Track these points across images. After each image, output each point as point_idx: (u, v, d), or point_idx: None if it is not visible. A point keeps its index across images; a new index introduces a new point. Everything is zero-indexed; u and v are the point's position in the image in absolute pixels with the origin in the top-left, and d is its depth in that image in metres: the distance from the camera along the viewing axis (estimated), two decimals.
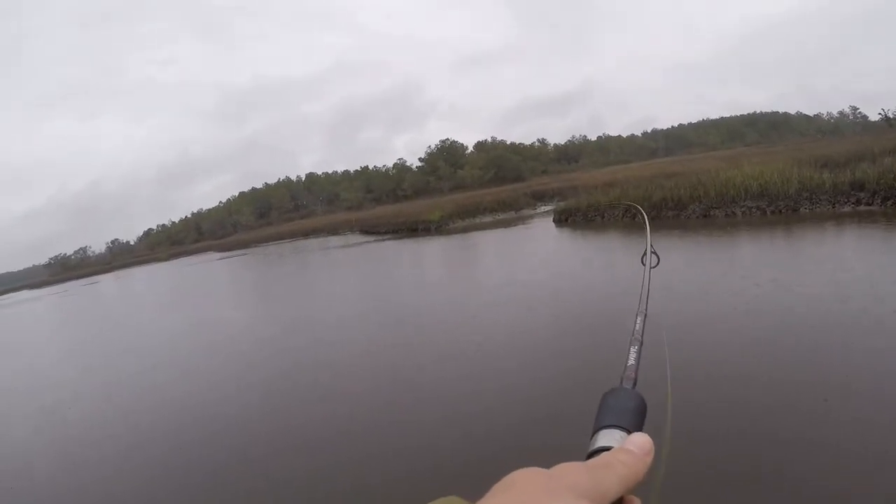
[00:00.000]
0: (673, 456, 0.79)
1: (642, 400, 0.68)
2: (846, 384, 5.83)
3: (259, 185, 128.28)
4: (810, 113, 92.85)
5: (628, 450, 0.56)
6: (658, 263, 1.43)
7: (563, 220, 28.65)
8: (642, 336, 0.91)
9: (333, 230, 61.82)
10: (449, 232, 35.90)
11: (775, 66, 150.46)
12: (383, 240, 39.50)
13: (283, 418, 7.95)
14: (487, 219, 39.83)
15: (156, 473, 6.83)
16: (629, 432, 0.61)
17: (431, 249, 29.89)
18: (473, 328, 10.95)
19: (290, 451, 6.77)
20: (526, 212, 40.73)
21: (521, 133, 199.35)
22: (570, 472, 0.49)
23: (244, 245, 73.44)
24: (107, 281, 64.58)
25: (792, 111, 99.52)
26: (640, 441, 0.58)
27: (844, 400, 5.52)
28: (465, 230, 34.88)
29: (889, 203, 16.12)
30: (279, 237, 72.21)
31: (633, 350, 0.84)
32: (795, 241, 14.54)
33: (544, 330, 10.06)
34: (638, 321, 0.97)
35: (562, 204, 32.82)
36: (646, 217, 2.14)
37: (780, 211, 18.48)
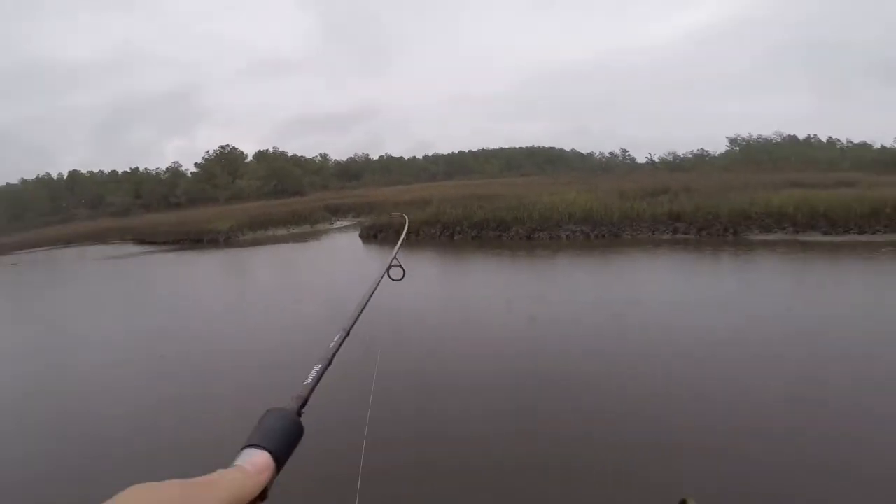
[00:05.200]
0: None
1: (295, 423, 0.66)
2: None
3: (14, 182, 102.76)
4: (584, 151, 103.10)
5: (241, 468, 0.58)
6: (403, 277, 1.58)
7: (373, 235, 25.81)
8: (333, 355, 0.86)
9: (101, 238, 50.84)
10: (240, 244, 31.40)
11: (554, 108, 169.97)
12: (164, 251, 32.74)
13: None
14: (282, 231, 36.15)
15: None
16: (272, 453, 0.61)
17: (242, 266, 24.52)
18: None
19: None
20: (322, 226, 38.07)
21: (302, 146, 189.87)
22: (167, 489, 0.51)
23: None
24: None
25: (567, 148, 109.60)
26: (258, 460, 0.59)
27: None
28: (257, 243, 30.91)
29: (703, 233, 17.02)
30: (35, 244, 56.84)
31: (316, 369, 0.80)
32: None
33: None
34: (336, 338, 0.92)
35: (364, 219, 30.95)
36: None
37: (603, 235, 18.48)
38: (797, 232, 17.53)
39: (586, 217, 19.33)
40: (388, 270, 1.54)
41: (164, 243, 37.59)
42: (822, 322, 8.82)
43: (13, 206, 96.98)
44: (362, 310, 1.13)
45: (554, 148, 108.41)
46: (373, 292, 1.25)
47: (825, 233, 17.19)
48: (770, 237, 17.38)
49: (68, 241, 53.87)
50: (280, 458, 0.62)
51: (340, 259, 21.44)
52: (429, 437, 5.66)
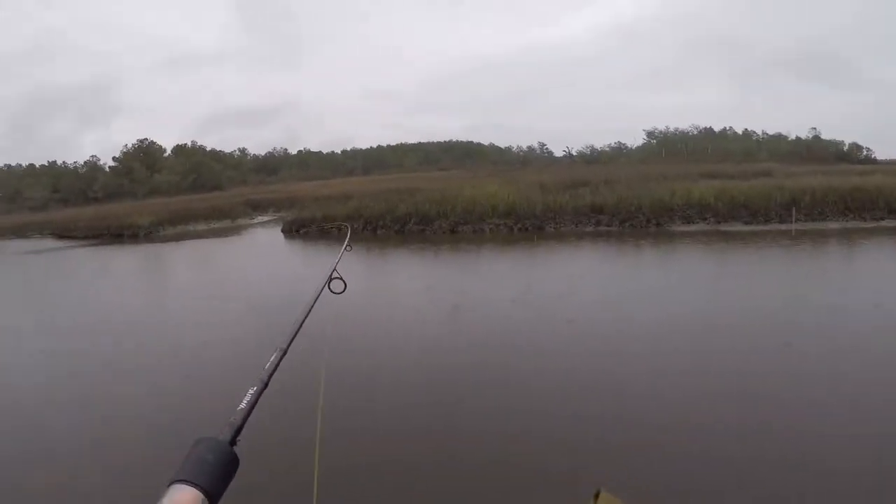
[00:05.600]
0: None
1: (228, 454, 0.61)
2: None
3: None
4: (502, 145, 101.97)
5: None
6: (345, 290, 1.51)
7: (295, 230, 24.74)
8: (269, 377, 0.80)
9: (19, 232, 47.41)
10: (161, 239, 30.14)
11: (472, 103, 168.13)
12: (85, 246, 31.14)
13: None
14: (202, 226, 35.25)
15: None
16: (203, 490, 0.56)
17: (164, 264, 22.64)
18: None
19: None
20: (242, 221, 37.46)
21: (220, 140, 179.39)
22: None
23: None
24: None
25: (485, 142, 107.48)
26: (186, 499, 0.55)
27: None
28: (178, 238, 29.85)
29: (626, 225, 17.16)
30: None
31: (251, 392, 0.75)
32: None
33: None
34: (273, 358, 0.86)
35: (285, 214, 30.20)
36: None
37: (527, 229, 18.23)
38: (718, 222, 17.73)
39: (509, 210, 19.11)
40: (328, 283, 1.45)
41: (84, 238, 35.82)
42: (745, 315, 8.77)
43: None
44: (300, 326, 1.04)
45: (472, 142, 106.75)
46: (311, 307, 1.17)
47: (746, 223, 17.45)
48: (692, 228, 17.51)
49: None
50: (213, 495, 0.56)
51: (266, 255, 20.37)
52: (384, 439, 5.37)
